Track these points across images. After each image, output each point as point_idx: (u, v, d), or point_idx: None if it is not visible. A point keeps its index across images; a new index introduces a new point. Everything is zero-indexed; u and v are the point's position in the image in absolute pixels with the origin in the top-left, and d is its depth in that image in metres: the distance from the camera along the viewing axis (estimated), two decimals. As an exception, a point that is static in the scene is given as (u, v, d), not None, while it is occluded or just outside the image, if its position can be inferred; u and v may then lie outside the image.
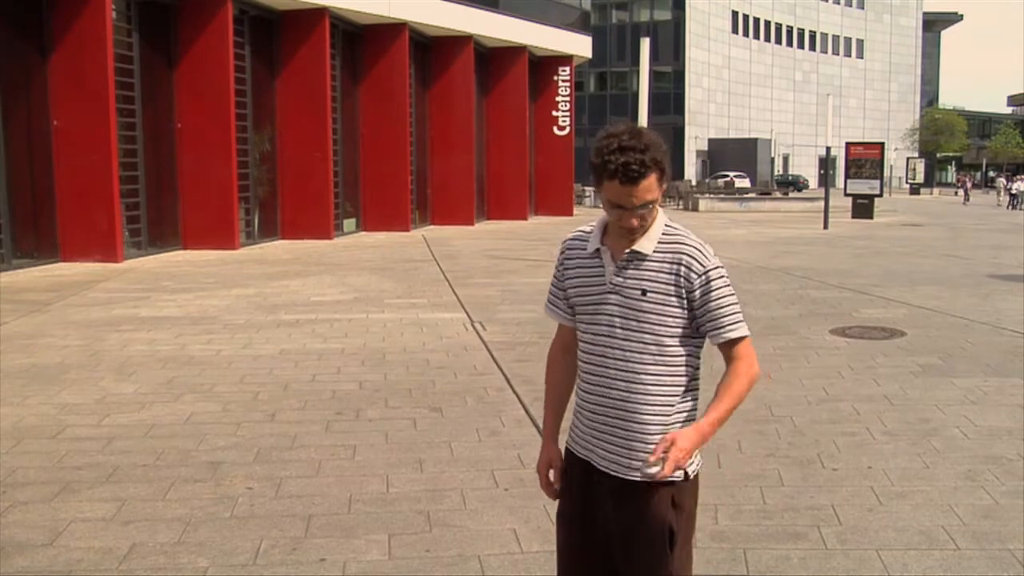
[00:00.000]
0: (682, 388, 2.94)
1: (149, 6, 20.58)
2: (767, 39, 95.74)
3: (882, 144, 38.48)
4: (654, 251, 2.87)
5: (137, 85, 20.04)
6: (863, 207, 35.32)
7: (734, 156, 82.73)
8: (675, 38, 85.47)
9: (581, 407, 3.06)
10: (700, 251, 2.87)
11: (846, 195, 36.52)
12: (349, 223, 26.95)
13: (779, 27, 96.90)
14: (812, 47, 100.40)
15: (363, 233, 26.95)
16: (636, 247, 2.87)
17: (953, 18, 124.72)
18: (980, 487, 5.78)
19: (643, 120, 18.08)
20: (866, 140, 55.88)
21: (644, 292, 2.86)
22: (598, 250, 2.95)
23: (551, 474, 3.20)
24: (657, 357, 2.89)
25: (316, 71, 24.08)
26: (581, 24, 38.34)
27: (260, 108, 23.75)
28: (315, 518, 5.26)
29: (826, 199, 30.76)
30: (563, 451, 3.19)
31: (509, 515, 5.24)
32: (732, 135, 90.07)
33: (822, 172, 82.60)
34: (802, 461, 6.27)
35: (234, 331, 11.08)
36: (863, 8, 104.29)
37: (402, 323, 11.72)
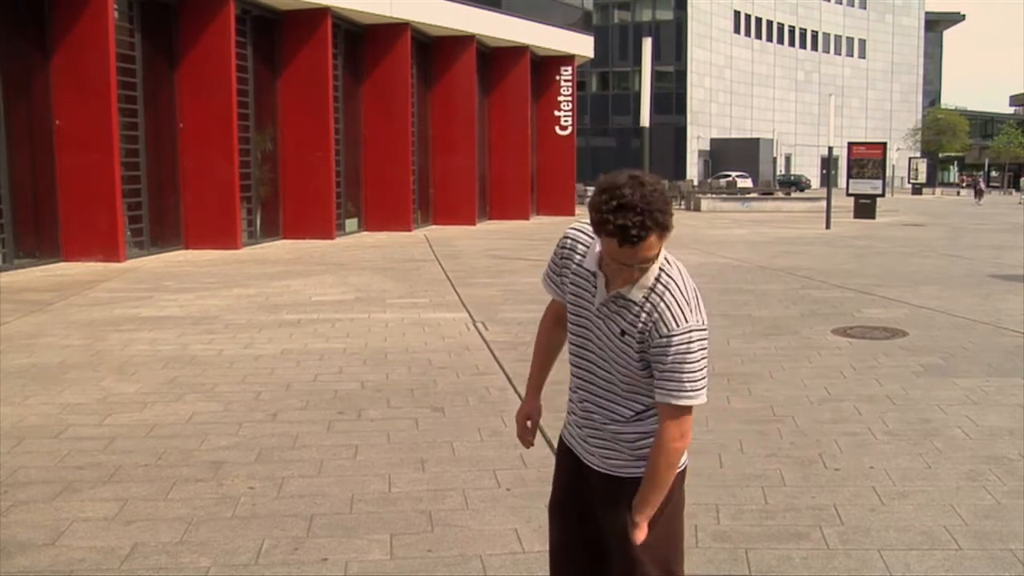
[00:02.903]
0: (646, 412, 2.96)
1: (151, 5, 20.58)
2: (769, 39, 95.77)
3: (884, 144, 38.47)
4: (640, 298, 2.82)
5: (139, 85, 20.03)
6: (865, 207, 35.30)
7: (736, 156, 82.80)
8: (677, 38, 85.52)
9: (571, 397, 3.12)
10: (671, 313, 2.77)
11: (848, 195, 36.51)
12: (351, 223, 26.96)
13: (781, 27, 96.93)
14: (814, 47, 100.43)
15: (365, 233, 26.94)
16: (624, 291, 2.84)
17: (955, 18, 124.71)
18: (982, 487, 5.78)
19: (645, 120, 18.05)
20: (868, 140, 55.85)
21: (622, 333, 2.85)
22: (594, 273, 2.93)
23: (528, 423, 3.31)
24: (632, 384, 2.91)
25: (318, 71, 24.08)
26: (583, 24, 38.34)
27: (262, 108, 23.76)
28: (317, 518, 5.26)
29: (828, 199, 30.74)
30: (558, 440, 3.25)
31: (511, 515, 5.24)
32: (734, 135, 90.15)
33: (824, 172, 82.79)
34: (804, 461, 6.27)
35: (236, 331, 11.09)
36: (865, 8, 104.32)
37: (404, 323, 11.72)
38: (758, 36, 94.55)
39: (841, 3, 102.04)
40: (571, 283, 3.02)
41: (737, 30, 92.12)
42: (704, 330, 2.79)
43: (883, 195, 36.50)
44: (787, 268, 17.90)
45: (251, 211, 23.58)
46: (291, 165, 24.28)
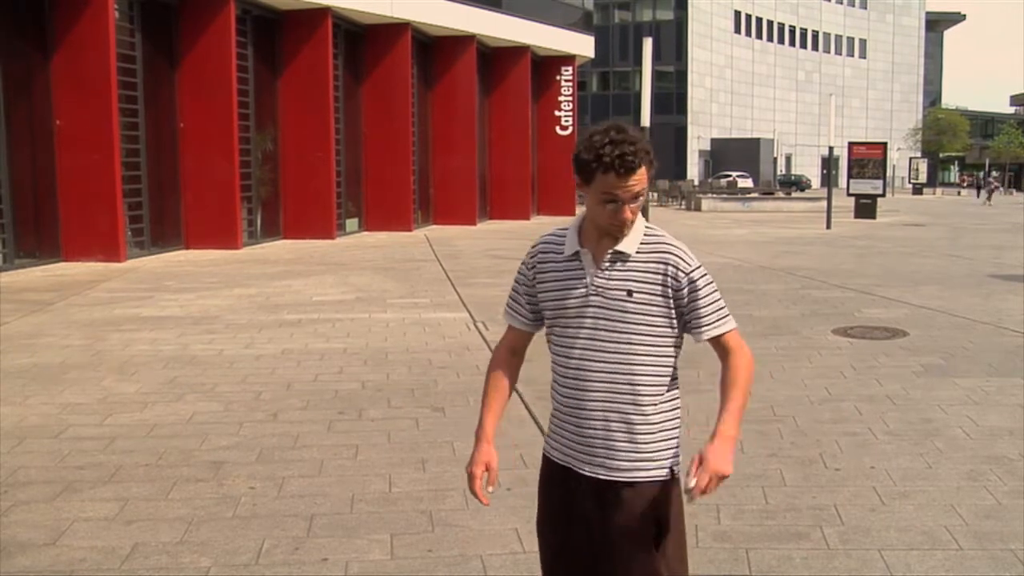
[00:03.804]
0: (665, 386, 2.96)
1: (151, 5, 20.59)
2: (770, 39, 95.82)
3: (885, 144, 38.47)
4: (637, 251, 2.89)
5: (139, 85, 20.04)
6: (866, 207, 35.29)
7: (737, 156, 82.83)
8: (678, 38, 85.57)
9: (558, 414, 3.05)
10: (683, 252, 2.91)
11: (849, 195, 36.51)
12: (351, 223, 26.96)
13: (782, 27, 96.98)
14: (815, 47, 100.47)
15: (365, 233, 26.95)
16: (620, 247, 2.89)
17: (956, 18, 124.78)
18: (982, 487, 5.78)
19: (645, 120, 18.02)
20: (869, 140, 55.85)
21: (630, 292, 2.87)
22: (577, 253, 2.94)
23: (486, 473, 3.14)
24: (643, 357, 2.90)
25: (318, 71, 24.08)
26: (583, 24, 38.34)
27: (262, 108, 23.76)
28: (317, 518, 5.26)
29: (829, 199, 30.74)
30: (541, 458, 3.18)
31: (511, 515, 5.23)
32: (735, 135, 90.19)
33: (825, 172, 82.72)
34: (804, 461, 6.27)
35: (236, 331, 11.09)
36: (866, 8, 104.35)
37: (404, 323, 11.72)
38: (759, 36, 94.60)
39: (842, 3, 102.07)
40: (550, 283, 3.01)
41: (738, 30, 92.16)
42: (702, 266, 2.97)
43: (883, 195, 36.51)
44: (788, 268, 17.90)
45: (251, 211, 23.59)
46: (291, 165, 24.28)
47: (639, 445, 2.91)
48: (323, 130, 24.19)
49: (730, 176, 68.34)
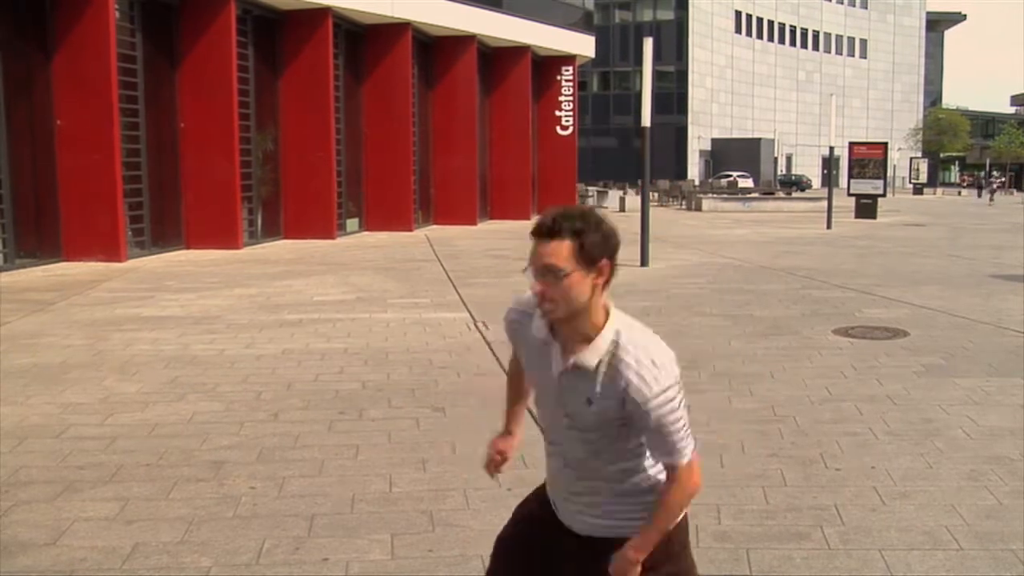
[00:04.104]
0: (638, 466, 2.82)
1: (152, 5, 20.58)
2: (770, 39, 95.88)
3: (885, 144, 38.49)
4: (598, 365, 2.69)
5: (140, 84, 20.03)
6: (866, 207, 35.30)
7: (737, 156, 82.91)
8: (678, 38, 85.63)
9: (548, 460, 3.03)
10: (646, 375, 2.63)
11: (849, 195, 36.52)
12: (352, 223, 26.96)
13: (782, 27, 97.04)
14: (815, 47, 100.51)
15: (366, 233, 26.94)
16: (580, 360, 2.70)
17: (956, 18, 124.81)
18: (983, 487, 5.78)
19: (646, 120, 18.03)
20: (869, 140, 55.86)
21: (589, 402, 2.71)
22: (547, 341, 2.81)
23: (499, 457, 3.29)
24: (609, 451, 2.78)
25: (319, 71, 24.08)
26: (584, 24, 38.32)
27: (263, 108, 23.76)
28: (318, 518, 5.26)
29: (829, 199, 30.73)
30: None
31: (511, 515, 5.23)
32: (735, 135, 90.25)
33: (825, 172, 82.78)
34: (805, 461, 6.27)
35: (237, 331, 11.09)
36: (866, 8, 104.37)
37: (405, 323, 11.72)
38: (759, 36, 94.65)
39: (842, 3, 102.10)
40: (527, 356, 2.94)
41: (738, 30, 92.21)
42: (675, 384, 2.68)
43: (884, 195, 36.52)
44: (788, 268, 17.90)
45: (252, 211, 23.58)
46: (292, 165, 24.28)
47: (614, 511, 2.85)
48: (324, 130, 24.19)
49: (731, 176, 68.37)
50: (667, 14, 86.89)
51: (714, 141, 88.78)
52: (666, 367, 2.67)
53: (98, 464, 6.19)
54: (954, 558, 4.77)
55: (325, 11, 23.90)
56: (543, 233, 2.62)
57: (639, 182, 22.33)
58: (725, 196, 48.12)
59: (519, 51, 32.85)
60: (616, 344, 2.68)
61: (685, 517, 2.89)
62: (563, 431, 2.84)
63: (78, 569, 4.63)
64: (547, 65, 35.29)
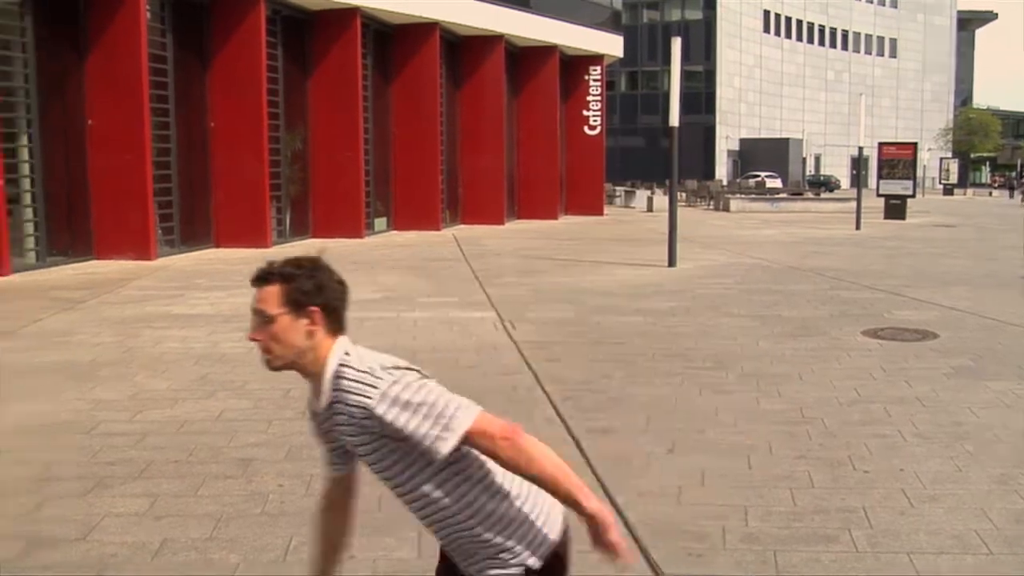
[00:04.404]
0: (474, 503, 2.65)
1: (182, 6, 20.73)
2: (799, 38, 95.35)
3: (915, 144, 38.20)
4: (330, 404, 2.62)
5: (170, 84, 20.19)
6: (895, 208, 35.07)
7: (765, 156, 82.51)
8: (706, 37, 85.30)
9: None
10: (359, 389, 2.53)
11: (878, 196, 36.29)
12: (380, 222, 27.04)
13: (811, 26, 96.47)
14: (844, 46, 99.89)
15: (394, 232, 27.01)
16: (317, 406, 2.68)
17: (988, 17, 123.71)
18: (1013, 491, 5.74)
19: (674, 119, 17.99)
20: (899, 140, 55.50)
21: (351, 447, 2.67)
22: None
23: None
24: (421, 489, 2.64)
25: (348, 70, 24.17)
26: (612, 23, 38.26)
27: (292, 107, 23.87)
28: (345, 516, 5.27)
29: (858, 200, 30.56)
30: None
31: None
32: (763, 135, 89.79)
33: (854, 172, 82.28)
34: (833, 463, 6.24)
35: (265, 329, 11.10)
36: (896, 7, 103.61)
37: (432, 322, 11.75)
38: (788, 35, 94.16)
39: (872, 2, 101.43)
40: (318, 437, 2.87)
41: (767, 29, 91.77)
42: (399, 380, 2.57)
43: (913, 196, 36.28)
44: (817, 269, 17.82)
45: (280, 210, 23.69)
46: (321, 164, 24.38)
47: (478, 553, 2.70)
48: (352, 129, 24.28)
49: (759, 176, 68.05)
50: (695, 14, 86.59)
51: (742, 141, 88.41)
52: (381, 371, 2.57)
53: (128, 460, 6.24)
54: (984, 562, 4.75)
55: (354, 11, 23.97)
56: (256, 279, 2.66)
57: (667, 182, 22.30)
58: (753, 196, 47.95)
59: (547, 51, 32.85)
60: (336, 375, 2.61)
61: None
62: (378, 478, 2.73)
63: (108, 564, 4.67)
64: (575, 64, 35.28)
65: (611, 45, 37.06)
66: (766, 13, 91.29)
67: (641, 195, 45.18)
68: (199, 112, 21.21)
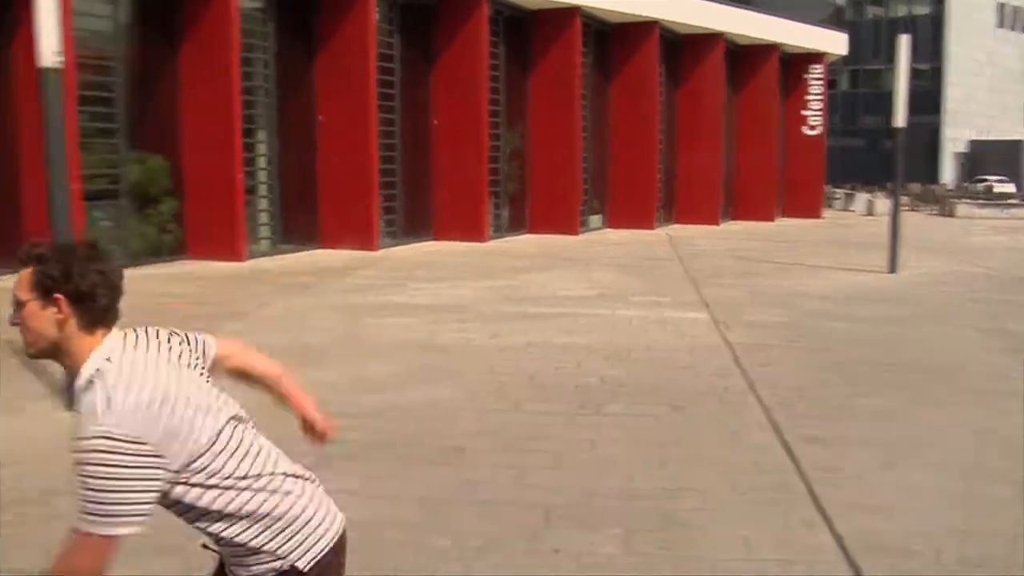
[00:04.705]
0: (218, 513, 2.57)
1: (410, 7, 21.38)
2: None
3: None
4: (80, 400, 2.37)
5: (397, 83, 20.87)
6: None
7: (996, 159, 78.61)
8: (934, 33, 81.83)
9: None
10: (85, 415, 2.27)
11: (1123, 203, 34.16)
12: (595, 219, 27.18)
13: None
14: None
15: (608, 230, 27.09)
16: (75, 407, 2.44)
17: None
18: None
19: (899, 120, 17.42)
20: None
21: None
22: None
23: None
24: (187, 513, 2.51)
25: (567, 69, 24.40)
26: (835, 20, 37.29)
27: (512, 106, 24.27)
28: (554, 509, 5.38)
29: (1099, 207, 28.83)
30: None
31: (744, 521, 5.22)
32: (993, 136, 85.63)
33: (1096, 178, 77.52)
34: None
35: (483, 321, 11.40)
36: None
37: (646, 321, 11.77)
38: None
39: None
40: None
41: (1001, 23, 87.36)
42: (118, 441, 2.22)
43: None
44: (1050, 279, 16.95)
45: (498, 205, 24.12)
46: (539, 162, 24.71)
47: (241, 561, 2.66)
48: (570, 127, 24.51)
49: (987, 180, 64.99)
50: (922, 8, 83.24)
51: (971, 143, 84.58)
52: (118, 416, 2.25)
53: (345, 440, 6.50)
54: None
55: (574, 10, 24.16)
56: (18, 259, 2.41)
57: (888, 185, 21.61)
58: (981, 202, 45.86)
59: (767, 49, 32.25)
60: (85, 385, 2.33)
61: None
62: None
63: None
64: (794, 63, 34.50)
65: (834, 43, 36.10)
66: (1000, 6, 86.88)
67: (860, 198, 43.82)
68: (423, 110, 21.82)
